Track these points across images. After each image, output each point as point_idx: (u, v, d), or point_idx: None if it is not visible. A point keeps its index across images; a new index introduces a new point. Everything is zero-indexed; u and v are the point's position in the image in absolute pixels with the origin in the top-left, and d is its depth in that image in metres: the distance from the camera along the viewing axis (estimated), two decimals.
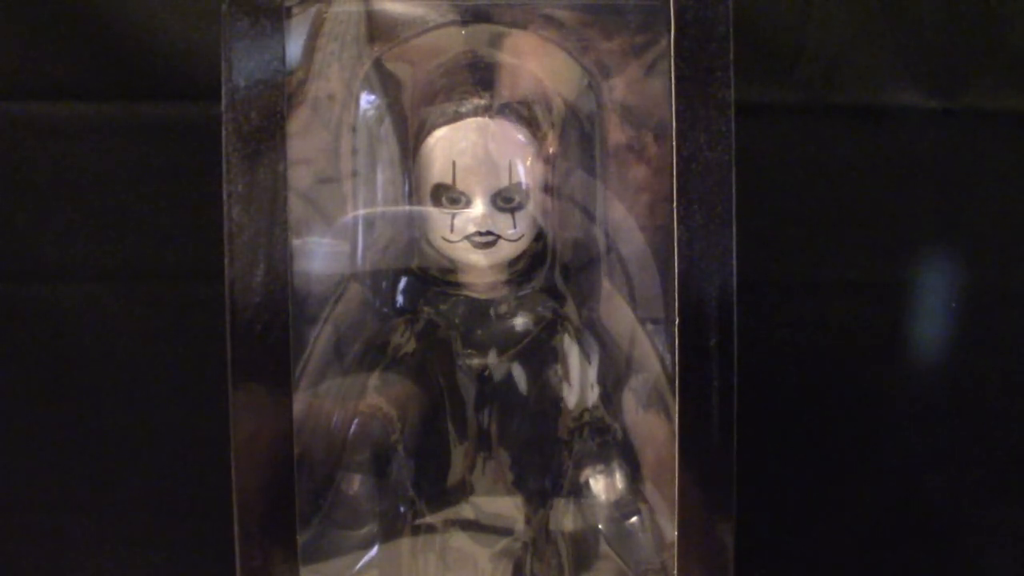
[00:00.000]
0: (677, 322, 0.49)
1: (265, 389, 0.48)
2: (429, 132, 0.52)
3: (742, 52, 0.49)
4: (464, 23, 0.53)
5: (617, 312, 0.55)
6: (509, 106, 0.53)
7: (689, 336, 0.49)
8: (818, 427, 0.74)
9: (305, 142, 0.51)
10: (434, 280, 0.55)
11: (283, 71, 0.48)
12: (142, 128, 0.70)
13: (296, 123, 0.50)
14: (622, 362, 0.55)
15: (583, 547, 0.56)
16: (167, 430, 0.72)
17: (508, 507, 0.56)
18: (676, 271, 0.49)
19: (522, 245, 0.53)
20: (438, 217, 0.52)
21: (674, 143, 0.49)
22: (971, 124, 0.72)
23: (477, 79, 0.53)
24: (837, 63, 0.71)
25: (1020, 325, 0.75)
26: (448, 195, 0.52)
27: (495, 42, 0.54)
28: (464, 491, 0.55)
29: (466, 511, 0.56)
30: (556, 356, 0.55)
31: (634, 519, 0.55)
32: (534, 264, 0.55)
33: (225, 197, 0.47)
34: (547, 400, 0.55)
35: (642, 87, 0.53)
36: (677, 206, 0.49)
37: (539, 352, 0.55)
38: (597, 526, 0.56)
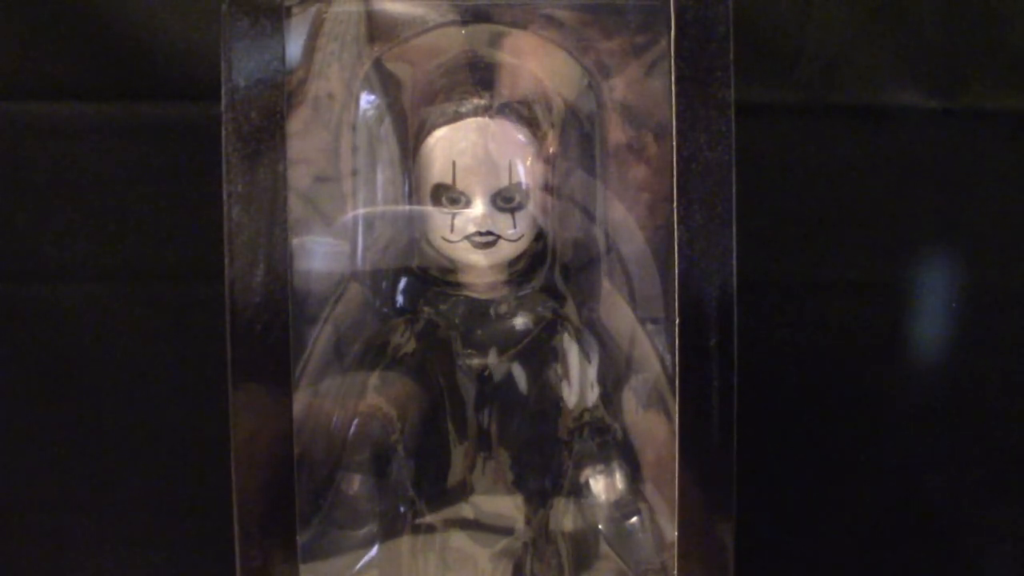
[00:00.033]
0: (677, 322, 0.49)
1: (265, 389, 0.48)
2: (429, 132, 0.52)
3: (742, 52, 0.49)
4: (464, 23, 0.53)
5: (617, 312, 0.55)
6: (509, 106, 0.53)
7: (689, 336, 0.49)
8: (818, 427, 0.74)
9: (305, 142, 0.51)
10: (434, 280, 0.55)
11: (283, 71, 0.48)
12: (142, 128, 0.70)
13: (296, 123, 0.50)
14: (622, 362, 0.55)
15: (583, 547, 0.56)
16: (167, 430, 0.72)
17: (508, 507, 0.56)
18: (676, 271, 0.49)
19: (522, 245, 0.53)
20: (438, 217, 0.52)
21: (674, 143, 0.49)
22: (971, 124, 0.72)
23: (477, 79, 0.53)
24: (837, 63, 0.71)
25: (1020, 325, 0.75)
26: (448, 195, 0.52)
27: (495, 42, 0.54)
28: (464, 491, 0.55)
29: (466, 511, 0.56)
30: (556, 356, 0.55)
31: (634, 519, 0.55)
32: (534, 264, 0.55)
33: (225, 197, 0.47)
34: (547, 400, 0.55)
35: (642, 87, 0.53)
36: (677, 206, 0.49)
37: (539, 352, 0.55)
38: (597, 526, 0.56)
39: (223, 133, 0.47)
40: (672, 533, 0.50)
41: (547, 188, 0.54)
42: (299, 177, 0.51)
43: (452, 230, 0.52)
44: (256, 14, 0.47)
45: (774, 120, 0.71)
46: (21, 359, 0.72)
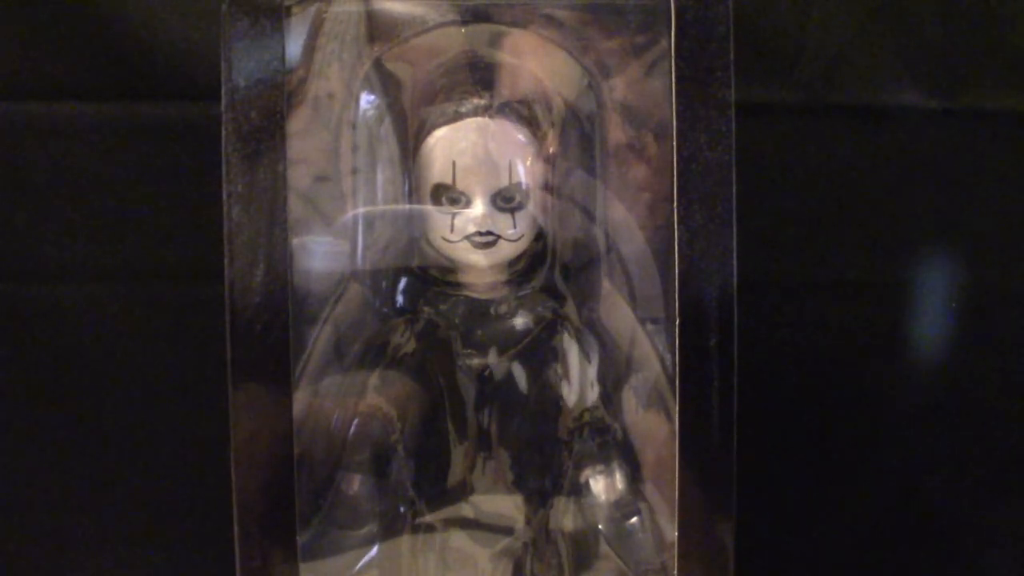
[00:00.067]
0: (677, 322, 0.49)
1: (265, 389, 0.48)
2: (429, 132, 0.52)
3: (742, 52, 0.49)
4: (464, 23, 0.53)
5: (617, 312, 0.55)
6: (509, 106, 0.53)
7: (689, 336, 0.49)
8: (818, 427, 0.74)
9: (305, 142, 0.51)
10: (434, 280, 0.55)
11: (283, 71, 0.48)
12: (142, 128, 0.70)
13: (296, 123, 0.50)
14: (622, 362, 0.55)
15: (583, 547, 0.56)
16: (167, 430, 0.72)
17: (508, 507, 0.56)
18: (676, 271, 0.49)
19: (522, 245, 0.53)
20: (438, 217, 0.52)
21: (674, 143, 0.49)
22: (971, 124, 0.72)
23: (477, 79, 0.53)
24: (837, 63, 0.71)
25: (1020, 325, 0.75)
26: (448, 195, 0.52)
27: (495, 42, 0.54)
28: (464, 491, 0.55)
29: (466, 511, 0.56)
30: (556, 356, 0.55)
31: (634, 519, 0.55)
32: (534, 264, 0.55)
33: (225, 197, 0.47)
34: (547, 400, 0.55)
35: (642, 87, 0.53)
36: (677, 206, 0.49)
37: (539, 352, 0.55)
38: (597, 526, 0.56)
39: (223, 133, 0.47)
40: (672, 533, 0.50)
41: (547, 188, 0.54)
42: (299, 177, 0.51)
43: (452, 230, 0.52)
44: (256, 14, 0.47)
45: (774, 120, 0.71)
46: (21, 359, 0.72)
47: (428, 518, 0.55)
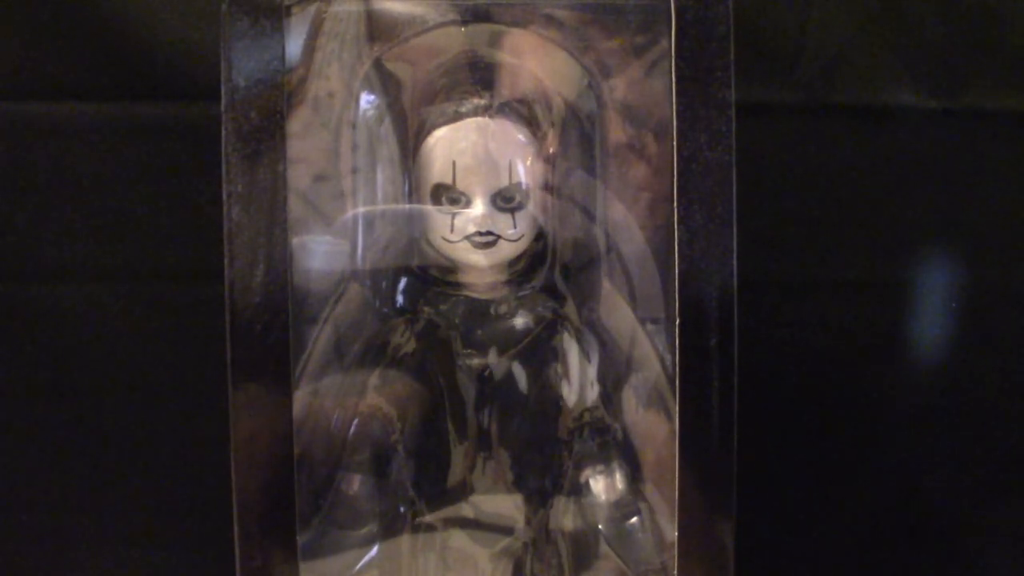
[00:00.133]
0: (677, 322, 0.49)
1: (265, 389, 0.48)
2: (429, 132, 0.52)
3: (742, 52, 0.49)
4: (464, 22, 0.53)
5: (617, 312, 0.55)
6: (509, 105, 0.53)
7: (689, 336, 0.49)
8: (818, 427, 0.74)
9: (305, 141, 0.51)
10: (434, 280, 0.55)
11: (283, 70, 0.48)
12: (142, 128, 0.70)
13: (296, 122, 0.50)
14: (622, 362, 0.55)
15: (583, 547, 0.56)
16: (167, 430, 0.72)
17: (508, 507, 0.56)
18: (676, 271, 0.49)
19: (522, 245, 0.53)
20: (438, 217, 0.52)
21: (674, 143, 0.49)
22: (971, 124, 0.72)
23: (477, 79, 0.53)
24: (837, 63, 0.71)
25: (1020, 325, 0.75)
26: (448, 195, 0.52)
27: (495, 41, 0.54)
28: (464, 491, 0.55)
29: (466, 511, 0.56)
30: (556, 356, 0.55)
31: (634, 519, 0.55)
32: (534, 264, 0.55)
33: (225, 197, 0.47)
34: (547, 400, 0.55)
35: (642, 87, 0.53)
36: (677, 206, 0.49)
37: (539, 352, 0.55)
38: (597, 526, 0.56)
39: (223, 133, 0.47)
40: (672, 533, 0.50)
41: (547, 188, 0.54)
42: (299, 177, 0.51)
43: (452, 230, 0.52)
44: (256, 14, 0.47)
45: (774, 120, 0.71)
46: (21, 359, 0.72)
47: (428, 518, 0.55)
